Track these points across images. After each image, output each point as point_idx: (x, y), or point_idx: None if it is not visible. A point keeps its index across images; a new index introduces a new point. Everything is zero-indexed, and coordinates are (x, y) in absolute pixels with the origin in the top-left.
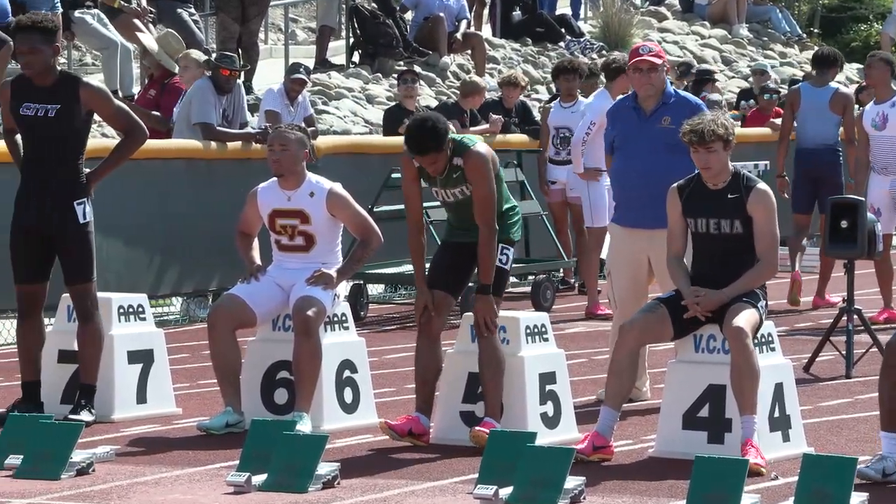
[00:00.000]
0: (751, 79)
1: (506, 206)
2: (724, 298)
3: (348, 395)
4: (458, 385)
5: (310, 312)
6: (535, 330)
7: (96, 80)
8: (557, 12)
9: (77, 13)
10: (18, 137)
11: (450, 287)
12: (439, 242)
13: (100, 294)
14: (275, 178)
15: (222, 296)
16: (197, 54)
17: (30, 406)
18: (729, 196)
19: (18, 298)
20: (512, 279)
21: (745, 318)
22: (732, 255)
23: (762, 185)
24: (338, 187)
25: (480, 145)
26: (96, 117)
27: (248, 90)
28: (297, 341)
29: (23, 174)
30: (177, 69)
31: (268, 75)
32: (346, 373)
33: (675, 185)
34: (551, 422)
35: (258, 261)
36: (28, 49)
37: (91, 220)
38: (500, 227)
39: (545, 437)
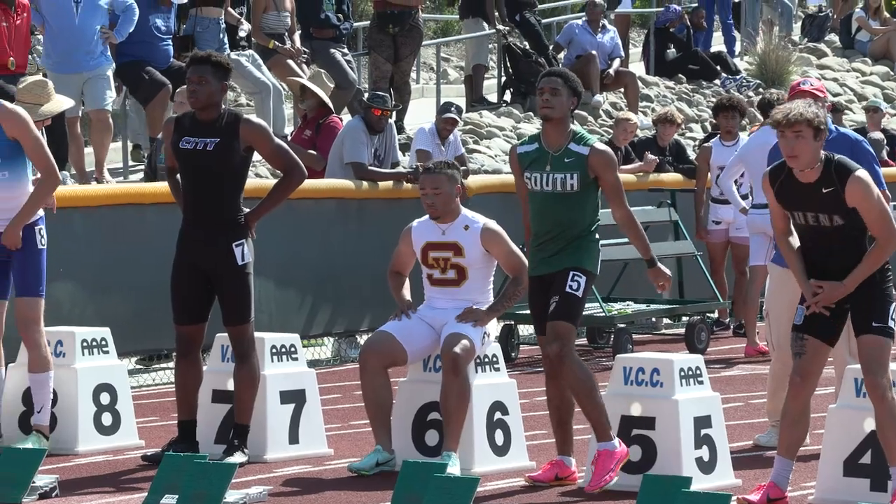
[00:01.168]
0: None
1: (592, 228)
2: (845, 290)
3: (499, 437)
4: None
5: (458, 350)
6: (690, 372)
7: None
8: (713, 49)
9: (233, 55)
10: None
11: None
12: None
13: (257, 334)
14: (426, 217)
15: (374, 333)
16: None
17: (185, 445)
18: (824, 191)
19: (177, 338)
20: (665, 321)
21: (878, 362)
22: (837, 242)
23: (858, 173)
24: (492, 223)
25: (602, 144)
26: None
27: (400, 129)
28: (445, 380)
29: (184, 213)
30: (331, 107)
31: (419, 115)
32: (497, 414)
33: (767, 169)
34: (707, 467)
35: (409, 299)
36: (197, 78)
37: (250, 262)
38: (577, 249)
39: (700, 483)
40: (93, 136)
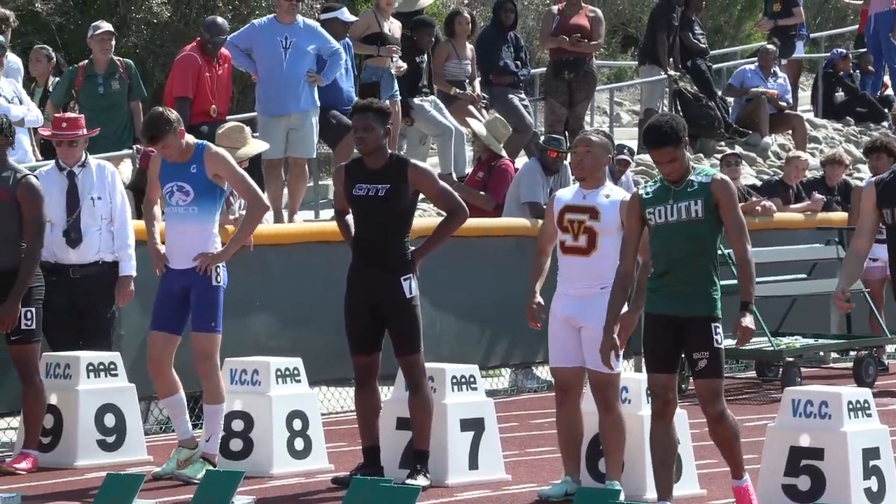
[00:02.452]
0: None
1: (713, 266)
2: None
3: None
4: (780, 459)
5: (606, 389)
6: (858, 405)
7: (429, 163)
8: (881, 94)
9: (416, 100)
10: (349, 218)
11: (672, 368)
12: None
13: (434, 365)
14: (577, 184)
15: (556, 372)
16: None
17: (372, 469)
18: None
19: (355, 369)
20: (833, 354)
21: None
22: None
23: None
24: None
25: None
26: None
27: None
28: (600, 418)
29: (354, 252)
30: (503, 153)
31: None
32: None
33: (872, 179)
34: (876, 497)
35: (540, 300)
36: (363, 126)
37: (417, 295)
38: (707, 295)
39: None
40: (290, 181)
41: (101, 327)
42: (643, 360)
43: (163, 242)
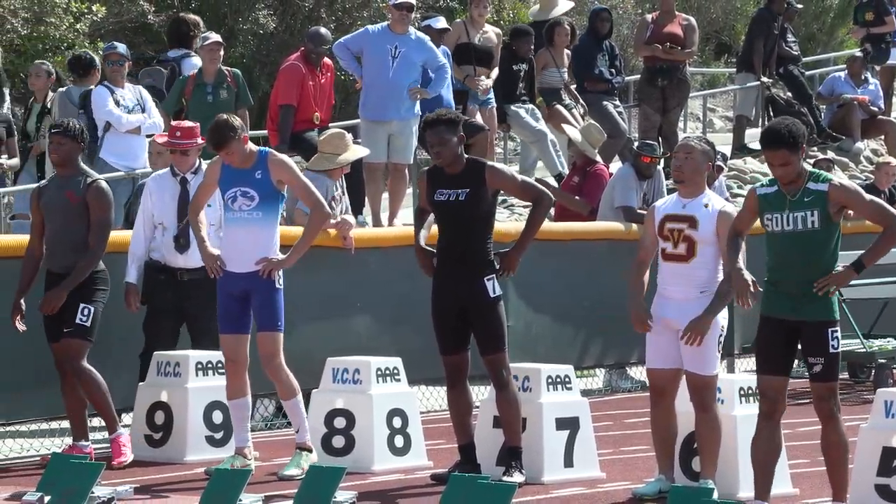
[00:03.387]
0: None
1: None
2: None
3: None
4: (872, 459)
5: (703, 390)
6: None
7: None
8: None
9: (512, 107)
10: (430, 217)
11: (783, 370)
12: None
13: (530, 365)
14: (676, 193)
15: (651, 373)
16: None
17: (468, 467)
18: None
19: (445, 368)
20: None
21: None
22: None
23: None
24: (729, 207)
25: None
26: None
27: (668, 175)
28: (697, 417)
29: (438, 254)
30: (598, 158)
31: None
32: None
33: None
34: None
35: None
36: (437, 140)
37: (500, 294)
38: (825, 299)
39: None
40: (391, 185)
41: (207, 329)
42: (755, 361)
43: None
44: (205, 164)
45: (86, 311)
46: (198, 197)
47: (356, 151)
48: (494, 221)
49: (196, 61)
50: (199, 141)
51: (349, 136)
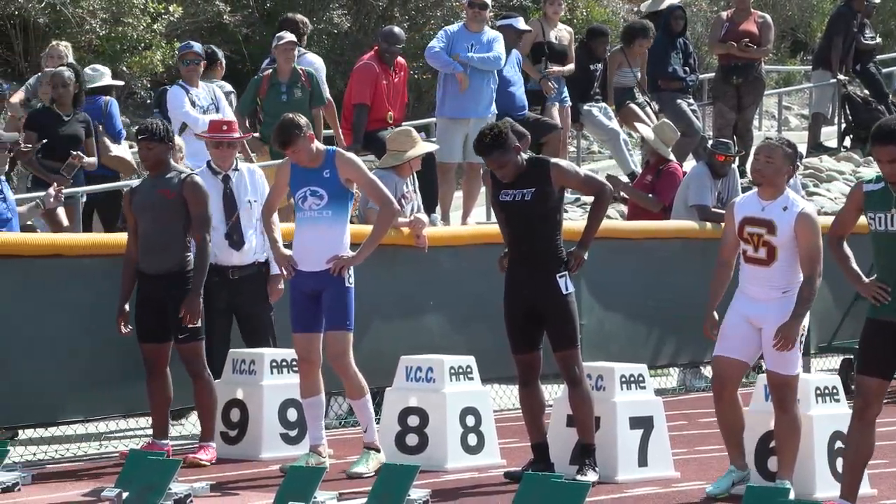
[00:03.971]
0: None
1: None
2: None
3: (840, 465)
4: None
5: (784, 390)
6: None
7: (601, 165)
8: None
9: (585, 106)
10: None
11: (885, 373)
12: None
13: (603, 364)
14: (754, 190)
15: (717, 361)
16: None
17: (542, 466)
18: None
19: (517, 367)
20: None
21: None
22: None
23: None
24: (809, 208)
25: None
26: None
27: (742, 174)
28: (776, 417)
29: (510, 252)
30: (672, 156)
31: None
32: (838, 444)
33: None
34: None
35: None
36: (496, 165)
37: (572, 291)
38: None
39: None
40: (465, 184)
41: (263, 327)
42: (855, 361)
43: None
44: (242, 165)
45: None
46: (270, 199)
47: (423, 147)
48: (562, 218)
49: (311, 57)
50: (241, 135)
51: (415, 133)
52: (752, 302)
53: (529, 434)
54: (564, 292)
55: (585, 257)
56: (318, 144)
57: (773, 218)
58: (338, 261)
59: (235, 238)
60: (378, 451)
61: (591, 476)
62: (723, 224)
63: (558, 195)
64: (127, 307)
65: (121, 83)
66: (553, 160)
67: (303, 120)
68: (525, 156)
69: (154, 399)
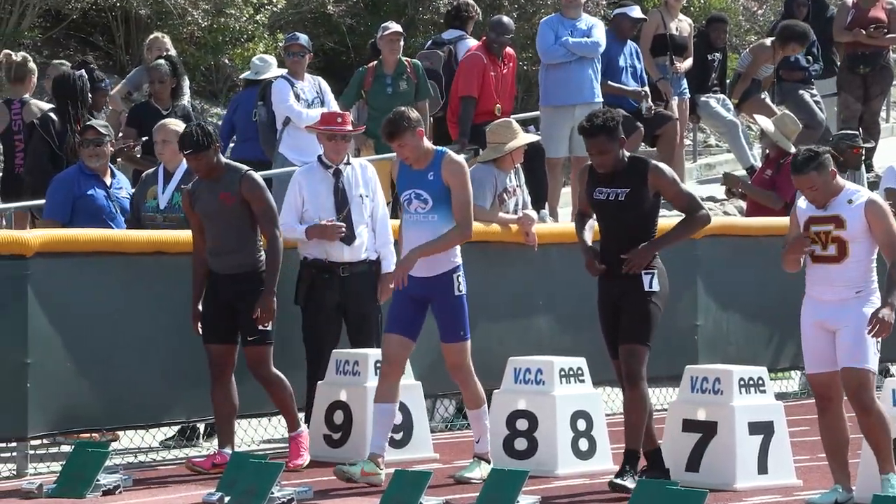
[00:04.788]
0: None
1: None
2: None
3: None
4: None
5: (862, 393)
6: None
7: (718, 159)
8: None
9: (703, 98)
10: (593, 221)
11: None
12: None
13: (720, 366)
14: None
15: (814, 378)
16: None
17: (656, 472)
18: None
19: (616, 372)
20: None
21: None
22: None
23: None
24: (876, 196)
25: None
26: None
27: (869, 168)
28: (859, 419)
29: (602, 252)
30: (793, 149)
31: (888, 153)
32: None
33: None
34: None
35: None
36: (596, 150)
37: (657, 291)
38: None
39: None
40: (573, 180)
41: (369, 327)
42: None
43: None
44: (354, 160)
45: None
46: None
47: (524, 138)
48: (657, 220)
49: (470, 42)
50: (355, 128)
51: (516, 124)
52: (823, 305)
53: (641, 441)
54: (647, 288)
55: (644, 257)
56: (428, 144)
57: (840, 212)
58: (387, 279)
59: (347, 233)
60: (489, 462)
61: (629, 483)
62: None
63: (653, 199)
64: (201, 307)
65: (283, 71)
66: (654, 162)
67: (414, 114)
68: (627, 154)
69: (217, 406)
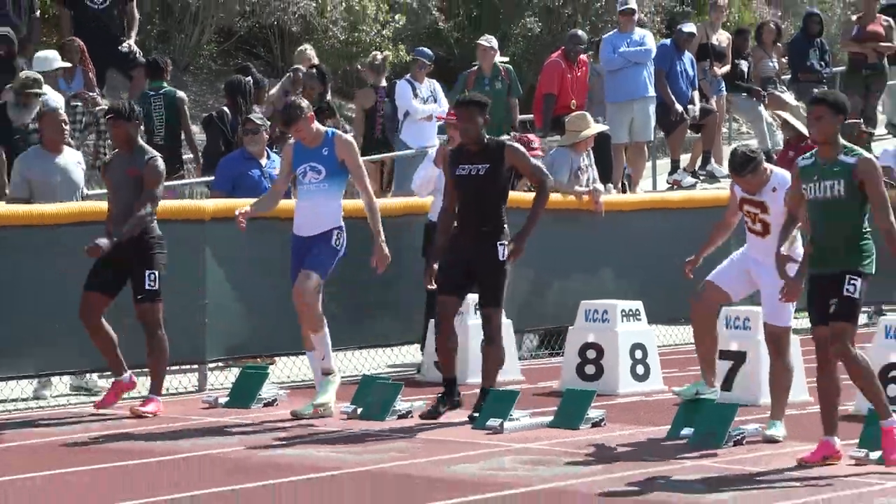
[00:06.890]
0: None
1: (861, 231)
2: None
3: None
4: None
5: (777, 338)
6: None
7: (752, 143)
8: None
9: (734, 95)
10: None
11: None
12: None
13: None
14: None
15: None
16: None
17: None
18: None
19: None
20: None
21: None
22: None
23: None
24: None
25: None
26: None
27: (868, 150)
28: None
29: (458, 220)
30: (807, 133)
31: (880, 139)
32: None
33: None
34: None
35: None
36: (467, 116)
37: (505, 260)
38: (850, 253)
39: None
40: (631, 160)
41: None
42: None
43: None
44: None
45: (152, 277)
46: (279, 180)
47: (596, 128)
48: (508, 194)
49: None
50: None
51: (589, 116)
52: (753, 260)
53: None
54: (500, 259)
55: (524, 245)
56: (318, 126)
57: (765, 199)
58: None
59: None
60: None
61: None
62: None
63: (507, 174)
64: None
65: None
66: (509, 143)
67: (305, 103)
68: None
69: (100, 344)
